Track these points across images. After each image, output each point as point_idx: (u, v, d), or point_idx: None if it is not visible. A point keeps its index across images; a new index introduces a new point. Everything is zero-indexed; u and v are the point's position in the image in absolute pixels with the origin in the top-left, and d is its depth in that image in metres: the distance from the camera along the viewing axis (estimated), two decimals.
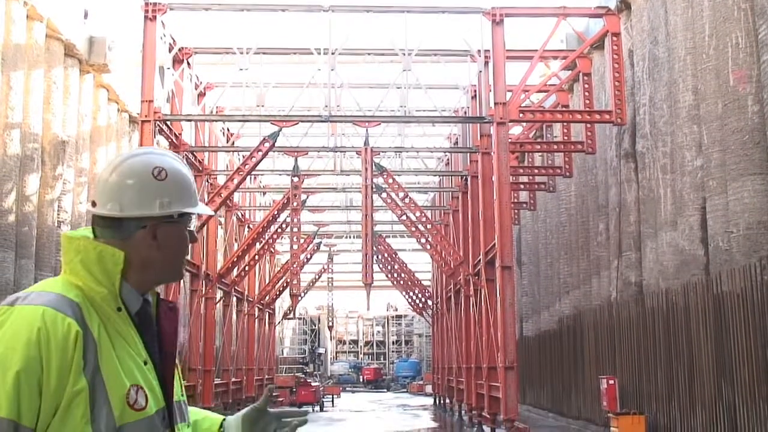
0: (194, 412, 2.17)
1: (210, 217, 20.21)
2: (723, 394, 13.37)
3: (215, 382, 24.80)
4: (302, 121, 21.98)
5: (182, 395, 1.98)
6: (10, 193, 16.23)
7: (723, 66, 13.95)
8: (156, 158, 1.91)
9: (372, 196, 22.09)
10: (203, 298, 24.08)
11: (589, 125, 20.69)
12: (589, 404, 20.77)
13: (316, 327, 77.63)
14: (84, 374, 1.70)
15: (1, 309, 1.74)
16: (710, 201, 14.58)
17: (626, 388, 17.86)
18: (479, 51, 21.05)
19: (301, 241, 29.15)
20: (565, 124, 22.70)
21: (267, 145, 20.04)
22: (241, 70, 21.39)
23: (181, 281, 22.15)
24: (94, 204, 1.89)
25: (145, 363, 1.83)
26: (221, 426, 2.14)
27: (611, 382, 17.79)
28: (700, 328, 14.35)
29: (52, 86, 18.34)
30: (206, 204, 20.61)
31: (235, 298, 29.86)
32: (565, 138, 22.83)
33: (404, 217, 24.94)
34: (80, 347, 1.70)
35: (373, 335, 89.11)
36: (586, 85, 20.84)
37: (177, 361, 2.01)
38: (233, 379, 28.83)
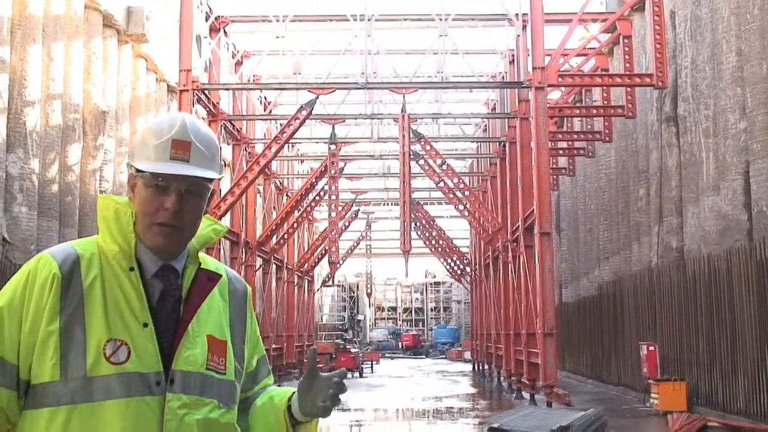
0: (273, 389, 2.11)
1: (237, 184, 20.29)
2: (766, 361, 13.21)
3: None
4: (339, 89, 21.94)
5: (219, 372, 1.89)
6: (53, 164, 16.52)
7: None
8: (159, 117, 1.95)
9: (409, 163, 22.04)
10: (243, 266, 24.36)
11: (629, 89, 20.34)
12: (629, 371, 20.69)
13: (355, 294, 78.22)
14: (59, 317, 1.75)
15: None
16: (754, 165, 14.29)
17: (667, 355, 17.74)
18: (517, 15, 20.75)
19: (339, 208, 29.26)
20: (604, 88, 22.33)
21: (304, 113, 20.06)
22: (277, 37, 21.40)
23: (221, 249, 22.42)
24: None
25: (145, 325, 1.81)
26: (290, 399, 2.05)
27: (651, 348, 17.68)
28: (742, 294, 14.15)
29: (91, 57, 18.52)
30: (245, 172, 20.71)
31: (274, 266, 30.13)
32: (605, 102, 22.48)
33: (442, 184, 24.87)
34: (56, 290, 1.77)
35: (411, 302, 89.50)
36: (627, 48, 20.45)
37: (228, 339, 1.95)
38: (273, 346, 29.20)
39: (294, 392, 2.02)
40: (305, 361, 2.07)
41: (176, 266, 1.91)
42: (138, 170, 1.88)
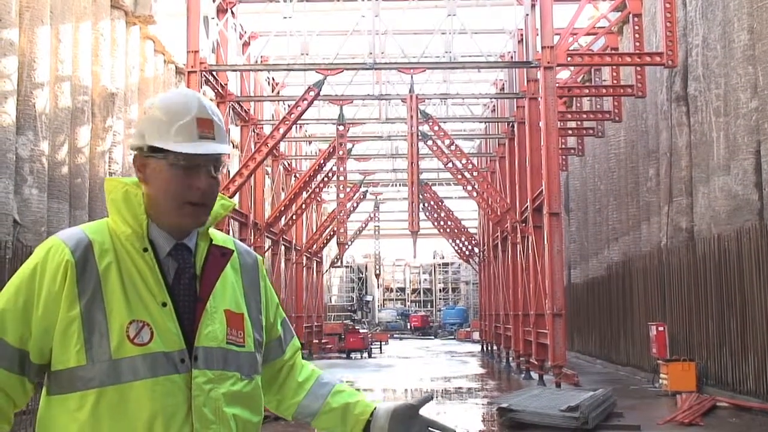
0: (348, 392, 2.18)
1: (246, 166, 20.30)
2: None
3: None
4: (347, 69, 21.85)
5: (239, 345, 1.92)
6: (62, 146, 16.55)
7: None
8: (163, 94, 1.92)
9: (417, 144, 21.98)
10: (252, 247, 24.36)
11: (639, 68, 20.19)
12: (638, 351, 20.71)
13: (364, 275, 78.37)
14: (78, 302, 1.77)
15: None
16: (765, 144, 14.21)
17: (676, 335, 17.74)
18: None
19: (348, 189, 29.24)
20: (614, 67, 22.18)
21: (312, 93, 20.00)
22: (285, 18, 21.30)
23: (230, 231, 22.47)
24: None
25: (164, 305, 1.83)
26: (372, 414, 2.11)
27: (661, 328, 17.68)
28: (753, 274, 14.12)
29: (99, 38, 18.50)
30: (253, 154, 20.71)
31: (283, 247, 30.19)
32: (615, 82, 22.33)
33: (450, 165, 24.81)
34: (72, 276, 1.78)
35: (420, 283, 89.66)
36: (637, 27, 20.26)
37: (245, 312, 1.98)
38: None
39: (373, 408, 2.11)
40: (322, 344, 2.09)
41: (189, 244, 1.93)
42: (155, 150, 1.86)
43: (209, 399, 1.83)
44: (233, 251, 2.02)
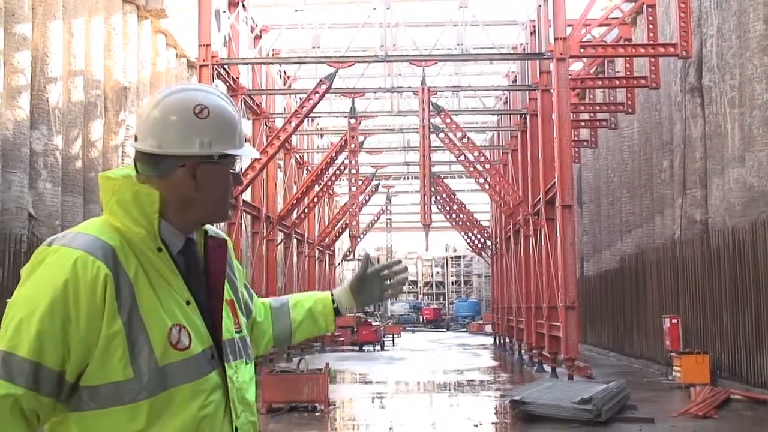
0: (303, 299, 2.37)
1: (259, 159, 20.36)
2: None
3: None
4: (358, 62, 21.81)
5: (238, 332, 1.95)
6: (76, 140, 16.63)
7: None
8: (200, 95, 1.85)
9: (429, 137, 21.94)
10: (264, 241, 24.45)
11: (652, 59, 20.06)
12: (652, 343, 20.63)
13: None
14: (119, 316, 1.70)
15: (40, 249, 1.76)
16: None
17: (690, 328, 17.66)
18: None
19: (360, 182, 29.23)
20: (627, 58, 22.04)
21: (324, 87, 19.99)
22: (296, 11, 21.28)
23: (242, 224, 22.54)
24: (136, 138, 1.84)
25: (188, 303, 1.82)
26: (333, 302, 2.36)
27: (674, 321, 17.60)
28: None
29: (111, 33, 18.55)
30: (265, 147, 20.76)
31: (295, 240, 30.24)
32: (628, 73, 22.19)
33: (462, 158, 24.76)
34: (111, 289, 1.69)
35: (432, 276, 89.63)
36: (650, 17, 20.13)
37: (233, 297, 2.00)
38: None
39: (328, 294, 2.39)
40: (335, 337, 2.25)
41: (193, 237, 1.94)
42: (220, 156, 1.86)
43: (237, 390, 1.88)
44: (226, 240, 2.02)
